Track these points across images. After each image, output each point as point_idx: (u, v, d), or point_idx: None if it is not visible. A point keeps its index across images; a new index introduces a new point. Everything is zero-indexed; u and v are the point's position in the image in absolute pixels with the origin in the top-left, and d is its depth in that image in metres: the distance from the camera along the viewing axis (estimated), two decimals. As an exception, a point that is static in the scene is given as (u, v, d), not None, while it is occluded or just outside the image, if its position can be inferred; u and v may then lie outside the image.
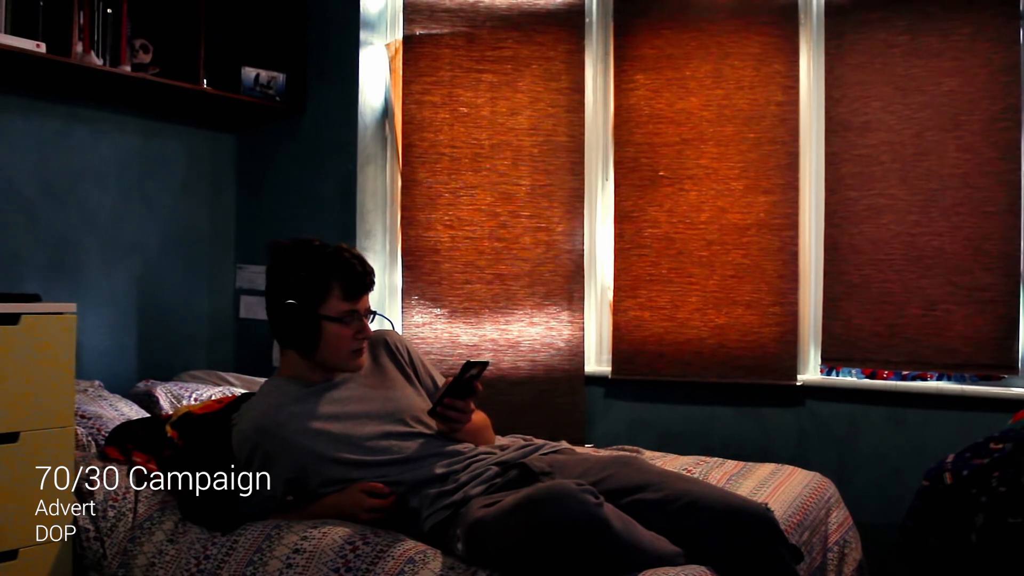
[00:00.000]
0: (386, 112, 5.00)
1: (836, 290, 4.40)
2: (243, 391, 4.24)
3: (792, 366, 4.47)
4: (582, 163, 4.78)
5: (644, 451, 3.87)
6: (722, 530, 2.53)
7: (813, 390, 4.43)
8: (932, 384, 4.34)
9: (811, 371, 4.51)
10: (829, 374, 4.55)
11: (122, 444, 3.29)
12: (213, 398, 3.99)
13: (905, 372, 4.42)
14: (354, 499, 2.77)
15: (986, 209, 4.13)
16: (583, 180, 4.78)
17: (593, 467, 2.81)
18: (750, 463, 3.70)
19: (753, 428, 4.50)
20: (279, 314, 2.88)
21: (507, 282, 4.77)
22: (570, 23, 4.78)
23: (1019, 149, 4.11)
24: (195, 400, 4.12)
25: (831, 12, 4.44)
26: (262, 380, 4.46)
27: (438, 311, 4.79)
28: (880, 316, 4.29)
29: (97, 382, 4.20)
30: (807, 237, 4.51)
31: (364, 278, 2.90)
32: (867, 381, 4.47)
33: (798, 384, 4.44)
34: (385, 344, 3.16)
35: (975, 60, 4.15)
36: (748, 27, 4.54)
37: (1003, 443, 3.27)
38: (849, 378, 4.54)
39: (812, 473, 3.62)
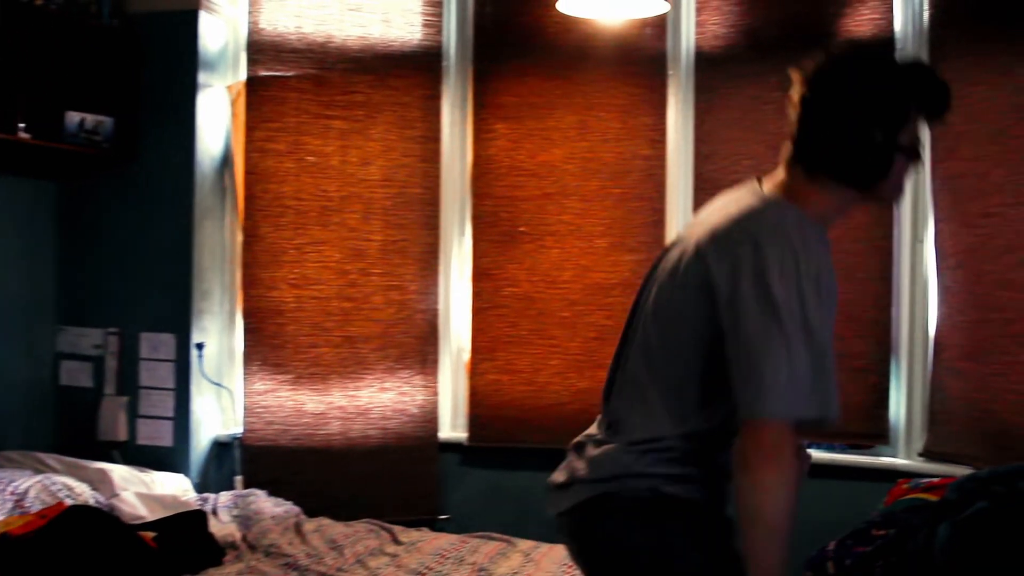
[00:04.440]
0: (226, 161, 4.68)
1: None
2: (71, 481, 3.81)
3: None
4: (438, 217, 4.58)
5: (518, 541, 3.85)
6: None
7: None
8: (801, 452, 4.20)
9: None
10: None
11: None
12: (35, 510, 3.52)
13: (774, 440, 4.27)
14: None
15: (858, 275, 4.08)
16: (439, 235, 4.58)
17: None
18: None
19: None
20: (857, 147, 2.16)
21: (357, 345, 4.52)
22: (427, 67, 4.56)
23: (891, 214, 4.08)
24: (10, 496, 3.66)
25: (701, 65, 4.35)
26: (87, 463, 4.07)
27: (282, 377, 4.51)
28: (750, 382, 4.14)
29: None
30: None
31: (949, 100, 2.25)
32: None
33: None
34: None
35: (850, 121, 4.03)
36: (615, 77, 4.42)
37: (886, 529, 3.16)
38: None
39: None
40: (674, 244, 2.29)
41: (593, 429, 2.33)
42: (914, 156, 2.20)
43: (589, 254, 4.42)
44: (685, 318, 2.14)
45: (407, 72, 4.55)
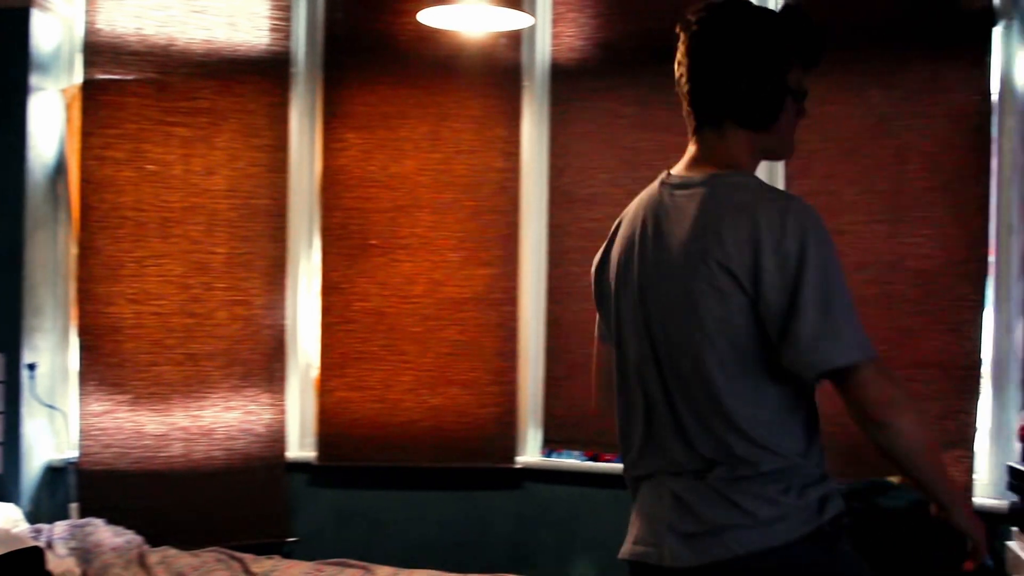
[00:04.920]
0: (60, 168, 4.46)
1: (558, 369, 4.33)
2: None
3: (511, 448, 4.38)
4: (285, 229, 4.45)
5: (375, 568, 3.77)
6: None
7: (532, 473, 4.38)
8: (656, 467, 4.25)
9: (531, 453, 4.42)
10: (550, 456, 4.45)
11: None
12: None
13: (629, 454, 4.32)
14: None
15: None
16: (286, 248, 4.46)
17: None
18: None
19: (470, 513, 4.41)
20: (748, 82, 2.19)
21: (200, 362, 4.36)
22: (275, 73, 4.42)
23: None
24: None
25: (557, 77, 4.33)
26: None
27: (120, 397, 4.31)
28: (599, 397, 4.18)
29: None
30: (528, 313, 4.40)
31: (824, 45, 2.31)
32: (589, 463, 4.39)
33: (517, 467, 4.36)
34: None
35: (704, 138, 4.07)
36: (469, 87, 4.38)
37: None
38: (571, 460, 4.44)
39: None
40: (627, 292, 2.21)
41: (676, 463, 2.13)
42: (801, 103, 2.24)
43: (442, 268, 4.36)
44: (722, 328, 2.05)
45: (254, 78, 4.40)
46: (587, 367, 4.14)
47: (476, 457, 4.36)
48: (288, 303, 4.45)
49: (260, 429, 4.38)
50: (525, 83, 4.35)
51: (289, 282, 4.45)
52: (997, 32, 3.69)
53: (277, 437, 4.40)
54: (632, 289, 2.19)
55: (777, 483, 2.05)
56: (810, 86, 2.23)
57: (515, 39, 4.30)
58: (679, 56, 2.19)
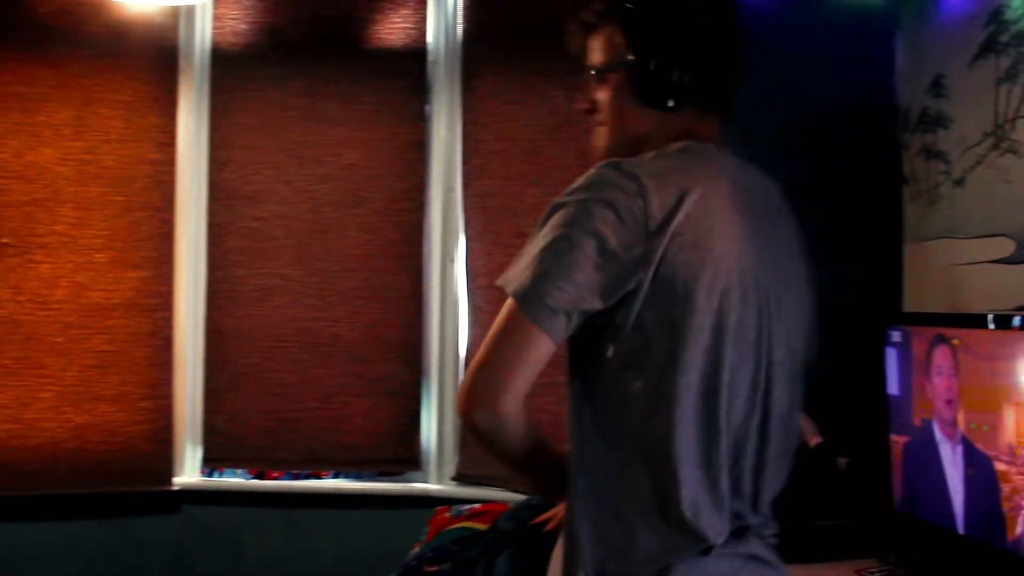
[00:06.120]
0: None
1: (219, 380, 4.11)
2: None
3: (167, 469, 4.09)
4: None
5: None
6: None
7: (192, 494, 4.14)
8: (328, 483, 4.19)
9: (189, 473, 4.15)
10: (211, 476, 4.21)
11: None
12: None
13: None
14: None
15: (388, 294, 4.03)
16: None
17: None
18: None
19: (123, 542, 4.09)
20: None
21: None
22: None
23: (422, 231, 4.05)
24: None
25: (218, 62, 4.09)
26: None
27: None
28: (271, 410, 4.08)
29: None
30: (184, 320, 4.14)
31: None
32: (255, 482, 4.20)
33: (174, 489, 4.09)
34: None
35: (380, 134, 4.04)
36: (119, 70, 4.04)
37: (439, 564, 3.08)
38: (234, 479, 4.22)
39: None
40: (730, 287, 1.70)
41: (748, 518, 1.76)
42: None
43: (87, 270, 4.02)
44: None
45: None
46: (252, 377, 3.99)
47: (128, 480, 4.05)
48: (-100, 312, 3.94)
49: None
50: (183, 67, 4.07)
51: (-99, 287, 3.95)
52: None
53: None
54: (745, 285, 1.72)
55: None
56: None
57: (173, 18, 3.99)
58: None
